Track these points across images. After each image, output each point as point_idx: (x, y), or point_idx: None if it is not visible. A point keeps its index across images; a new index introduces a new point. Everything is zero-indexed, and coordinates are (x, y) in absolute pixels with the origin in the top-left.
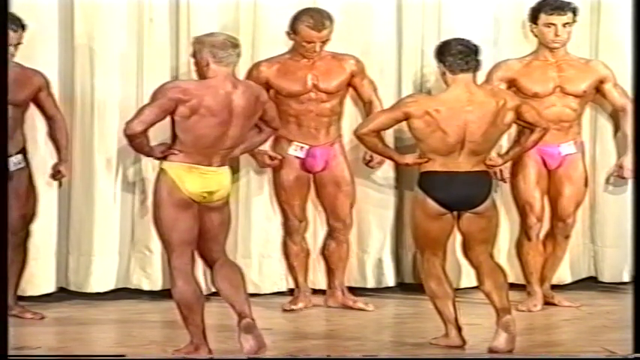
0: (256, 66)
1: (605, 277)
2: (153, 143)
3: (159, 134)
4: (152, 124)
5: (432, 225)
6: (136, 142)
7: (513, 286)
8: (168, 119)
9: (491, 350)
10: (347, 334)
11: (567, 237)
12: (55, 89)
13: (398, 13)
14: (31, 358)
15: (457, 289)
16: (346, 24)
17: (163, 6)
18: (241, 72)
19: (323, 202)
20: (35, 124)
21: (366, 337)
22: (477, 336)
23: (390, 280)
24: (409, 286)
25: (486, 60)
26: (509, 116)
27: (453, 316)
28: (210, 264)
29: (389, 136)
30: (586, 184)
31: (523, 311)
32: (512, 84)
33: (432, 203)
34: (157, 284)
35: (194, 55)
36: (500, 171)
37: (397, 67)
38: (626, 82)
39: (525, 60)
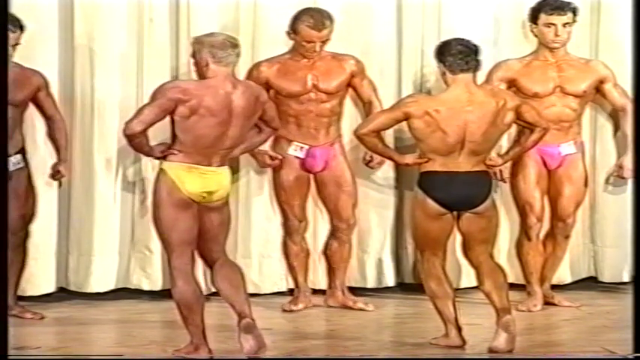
0: (256, 66)
1: (605, 277)
2: (152, 143)
3: (158, 134)
4: (151, 124)
5: (432, 225)
6: (136, 141)
7: (513, 286)
8: (167, 119)
9: (491, 350)
10: (347, 334)
11: (567, 237)
12: (55, 89)
13: (398, 13)
14: (31, 358)
15: (457, 289)
16: (346, 24)
17: (163, 6)
18: (241, 72)
19: (325, 203)
20: (35, 124)
21: (366, 337)
22: (476, 336)
23: (390, 280)
24: (409, 286)
25: (486, 60)
26: (509, 116)
27: (453, 316)
28: (210, 264)
29: (389, 136)
30: (586, 184)
31: (523, 311)
32: (512, 84)
33: (432, 203)
34: (157, 284)
35: (193, 55)
36: (500, 171)
37: (397, 67)
38: (626, 82)
39: (525, 60)
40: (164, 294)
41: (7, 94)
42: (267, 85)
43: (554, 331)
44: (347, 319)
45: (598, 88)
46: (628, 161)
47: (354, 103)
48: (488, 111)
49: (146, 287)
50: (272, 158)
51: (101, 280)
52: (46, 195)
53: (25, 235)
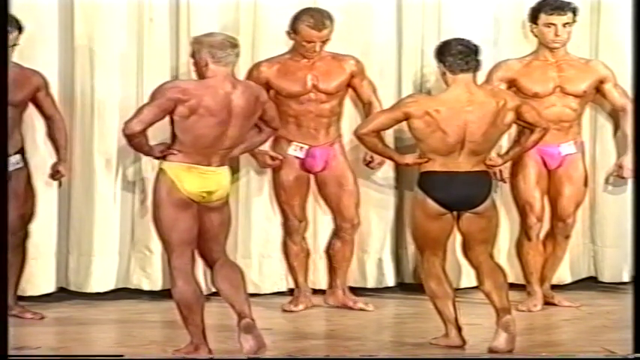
0: (257, 66)
1: (605, 277)
2: (152, 143)
3: (158, 134)
4: (151, 124)
5: (432, 225)
6: (135, 141)
7: (513, 286)
8: (167, 119)
9: (491, 350)
10: (347, 334)
11: (567, 237)
12: (55, 89)
13: (398, 13)
14: (31, 358)
15: (457, 289)
16: (346, 24)
17: (163, 6)
18: (241, 72)
19: (328, 203)
20: (34, 124)
21: (366, 337)
22: (477, 336)
23: (390, 280)
24: (409, 286)
25: (486, 60)
26: (510, 116)
27: (453, 316)
28: (210, 264)
29: (389, 136)
30: (586, 184)
31: (523, 311)
32: (512, 84)
33: (431, 203)
34: (157, 284)
35: (193, 55)
36: (500, 171)
37: (397, 67)
38: (626, 82)
39: (525, 60)
40: (164, 294)
41: (7, 94)
42: (268, 86)
43: (554, 331)
44: (347, 319)
45: (598, 88)
46: (628, 161)
47: (353, 103)
48: (488, 111)
49: (146, 287)
50: (273, 158)
51: (101, 280)
52: (46, 195)
53: (25, 235)
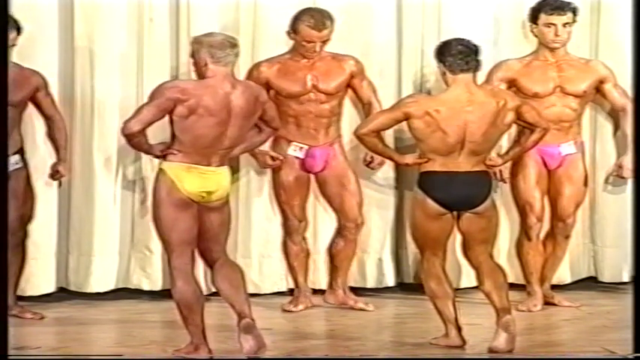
0: (257, 66)
1: (605, 277)
2: (152, 143)
3: (158, 134)
4: (150, 124)
5: (432, 225)
6: (134, 141)
7: (513, 286)
8: (167, 119)
9: (491, 350)
10: (347, 334)
11: (567, 237)
12: (55, 89)
13: (398, 13)
14: (31, 358)
15: (457, 289)
16: (346, 24)
17: (163, 6)
18: (241, 72)
19: (330, 203)
20: (34, 124)
21: (366, 337)
22: (477, 336)
23: (390, 280)
24: (409, 286)
25: (486, 60)
26: (510, 116)
27: (453, 316)
28: (210, 264)
29: (389, 136)
30: (586, 184)
31: (523, 311)
32: (512, 84)
33: (431, 203)
34: (157, 284)
35: (192, 55)
36: (500, 171)
37: (397, 68)
38: (626, 82)
39: (525, 60)
40: (164, 294)
41: (7, 94)
42: (268, 86)
43: (554, 331)
44: (347, 319)
45: (598, 88)
46: (628, 161)
47: (353, 103)
48: (488, 111)
49: (146, 287)
50: (273, 159)
51: (101, 280)
52: (46, 195)
53: (24, 235)
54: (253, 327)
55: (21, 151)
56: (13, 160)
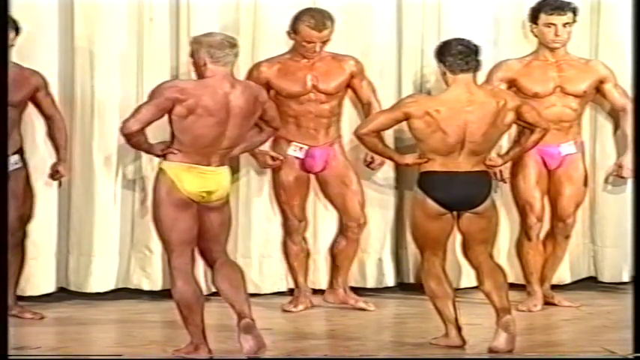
0: (257, 66)
1: (605, 277)
2: (152, 142)
3: (158, 133)
4: (149, 123)
5: (432, 225)
6: (133, 140)
7: (513, 286)
8: (167, 119)
9: (491, 350)
10: (347, 334)
11: (567, 237)
12: (55, 90)
13: (398, 13)
14: (31, 358)
15: (457, 289)
16: (346, 24)
17: (163, 6)
18: (241, 72)
19: (333, 203)
20: (34, 124)
21: (366, 337)
22: (477, 336)
23: (390, 280)
24: (409, 286)
25: (486, 60)
26: (510, 117)
27: (453, 316)
28: (210, 264)
29: (389, 136)
30: (586, 184)
31: (523, 311)
32: (512, 84)
33: (431, 203)
34: (157, 284)
35: (192, 55)
36: (500, 171)
37: (397, 68)
38: (626, 82)
39: (525, 60)
40: (164, 294)
41: (7, 94)
42: (268, 86)
43: (554, 331)
44: (347, 319)
45: (598, 88)
46: (628, 161)
47: (353, 104)
48: (488, 111)
49: (146, 287)
50: (273, 159)
51: (101, 280)
52: (46, 195)
53: (23, 235)
54: (253, 327)
55: (21, 151)
56: (13, 160)
